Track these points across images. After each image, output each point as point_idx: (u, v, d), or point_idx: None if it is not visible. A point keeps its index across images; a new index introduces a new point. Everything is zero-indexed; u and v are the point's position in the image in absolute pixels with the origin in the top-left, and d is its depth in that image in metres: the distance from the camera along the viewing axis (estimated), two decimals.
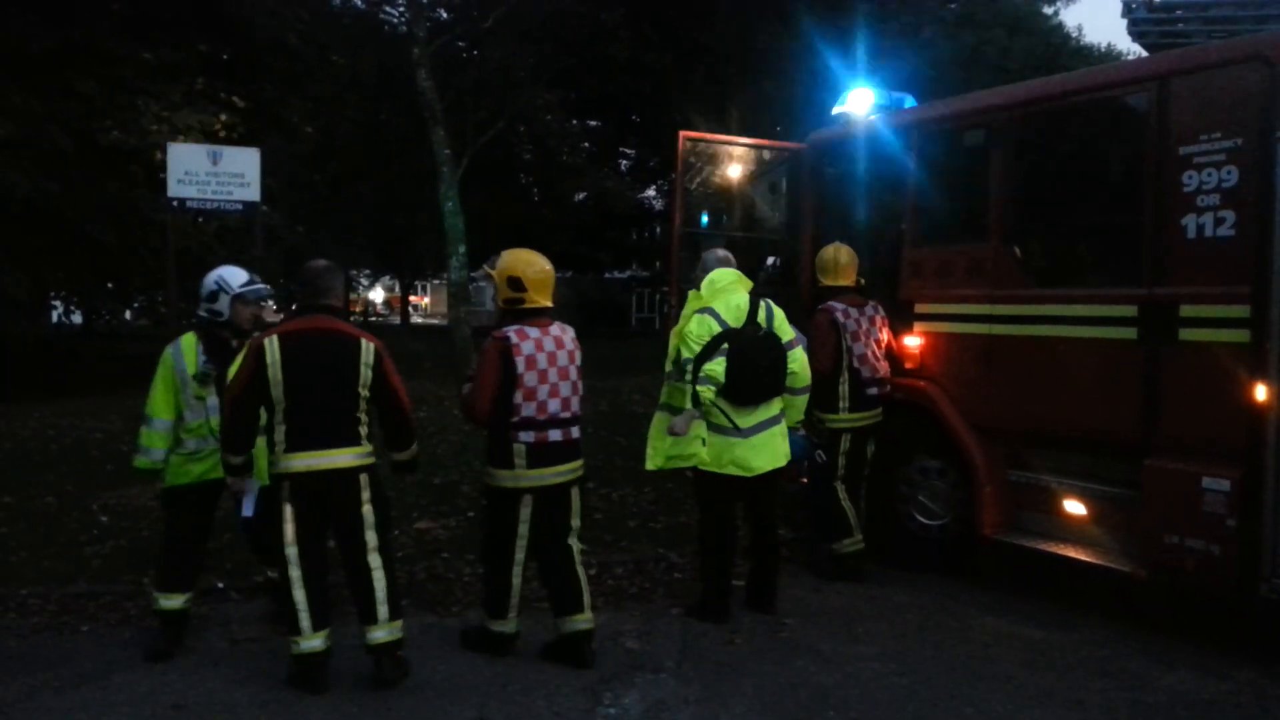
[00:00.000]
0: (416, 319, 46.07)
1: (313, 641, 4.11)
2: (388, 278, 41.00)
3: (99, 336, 24.17)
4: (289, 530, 4.10)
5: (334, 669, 4.24)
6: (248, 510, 4.58)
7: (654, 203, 31.24)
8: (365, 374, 4.17)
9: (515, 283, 4.48)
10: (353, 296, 43.19)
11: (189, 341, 4.77)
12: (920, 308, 5.92)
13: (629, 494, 7.32)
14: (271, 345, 4.05)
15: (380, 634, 4.17)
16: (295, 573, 4.11)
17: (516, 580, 4.51)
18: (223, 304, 4.79)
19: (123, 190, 12.88)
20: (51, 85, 12.51)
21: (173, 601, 4.61)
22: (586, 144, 24.97)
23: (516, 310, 4.48)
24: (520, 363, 4.32)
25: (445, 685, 4.28)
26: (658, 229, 33.27)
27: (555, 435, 4.42)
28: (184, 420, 4.69)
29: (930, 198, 6.04)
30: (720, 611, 5.05)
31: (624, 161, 29.15)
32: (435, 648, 4.69)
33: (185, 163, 8.24)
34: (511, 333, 4.37)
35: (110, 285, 16.54)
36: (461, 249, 14.54)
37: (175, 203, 8.25)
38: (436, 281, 49.56)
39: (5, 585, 5.58)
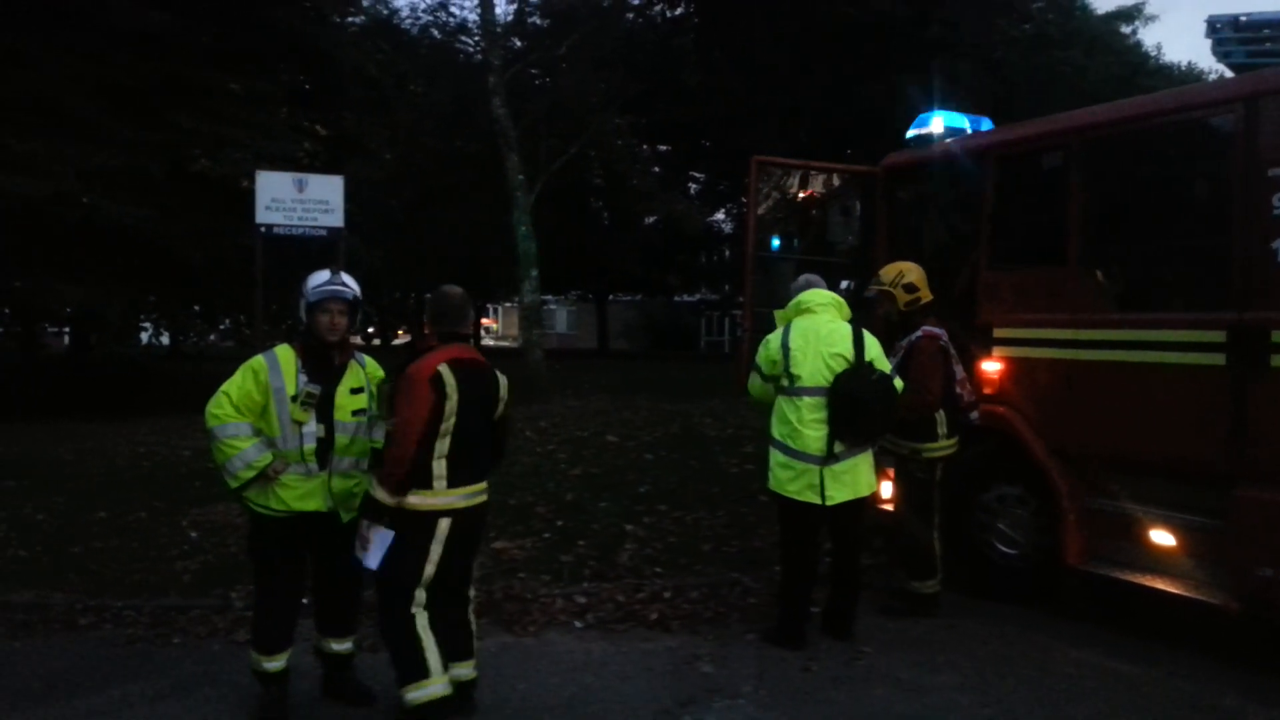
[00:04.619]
0: (488, 341, 46.66)
1: (442, 683, 3.83)
2: None
3: (186, 358, 25.01)
4: (429, 571, 3.86)
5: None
6: (373, 562, 3.87)
7: (723, 226, 31.33)
8: (500, 408, 4.14)
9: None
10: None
11: (287, 356, 4.13)
12: (999, 332, 5.84)
13: (702, 517, 7.33)
14: (449, 375, 3.84)
15: (466, 671, 4.13)
16: (422, 613, 3.87)
17: None
18: (301, 309, 4.20)
19: (211, 216, 13.35)
20: (146, 116, 13.08)
21: (275, 663, 4.18)
22: (656, 168, 25.17)
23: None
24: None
25: (523, 705, 4.34)
26: (727, 252, 33.33)
27: None
28: (275, 445, 4.06)
29: (1008, 221, 5.98)
30: (797, 637, 5.02)
31: (693, 185, 29.30)
32: (513, 667, 4.75)
33: (273, 190, 8.50)
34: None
35: (197, 308, 17.15)
36: (534, 272, 14.78)
37: (263, 228, 8.51)
38: (508, 304, 50.20)
39: (101, 597, 5.81)
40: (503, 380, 4.14)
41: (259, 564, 4.27)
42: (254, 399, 4.06)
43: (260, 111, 14.06)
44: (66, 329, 19.57)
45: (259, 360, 4.13)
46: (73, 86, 12.37)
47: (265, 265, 9.29)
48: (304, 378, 4.11)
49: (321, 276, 4.21)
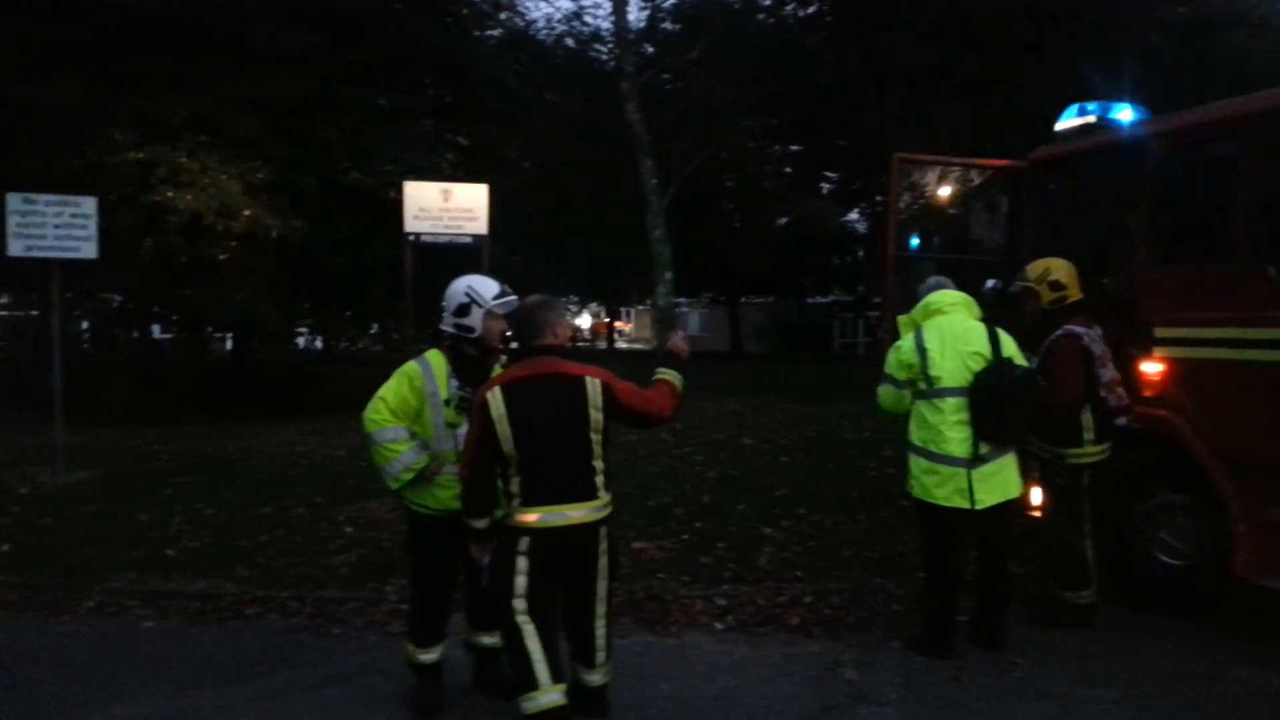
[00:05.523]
0: (621, 344, 47.18)
1: (551, 695, 3.73)
2: (595, 304, 42.33)
3: (338, 361, 26.22)
4: (520, 583, 3.84)
5: None
6: (485, 580, 4.07)
7: (857, 226, 30.81)
8: (595, 417, 3.87)
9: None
10: None
11: (438, 361, 4.29)
12: (1160, 332, 5.55)
13: (842, 521, 7.23)
14: (495, 398, 3.83)
15: (596, 677, 4.12)
16: (527, 624, 3.81)
17: None
18: (475, 318, 4.26)
19: (360, 226, 13.95)
20: (298, 132, 13.78)
21: (429, 655, 4.37)
22: (788, 169, 24.95)
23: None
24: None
25: (667, 705, 4.37)
26: (860, 252, 32.75)
27: None
28: (430, 447, 4.26)
29: (1170, 214, 5.67)
30: (944, 646, 4.89)
31: (825, 185, 28.92)
32: (656, 667, 4.79)
33: (420, 200, 8.79)
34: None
35: (348, 314, 17.94)
36: (668, 275, 14.90)
37: (412, 237, 8.82)
38: (640, 307, 50.71)
39: (269, 588, 6.17)
40: (594, 386, 3.88)
41: (415, 560, 4.45)
42: (410, 404, 4.23)
43: (405, 125, 14.59)
44: (229, 334, 20.79)
45: (413, 366, 4.28)
46: (230, 106, 13.15)
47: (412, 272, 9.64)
48: (455, 382, 4.27)
49: (493, 286, 4.35)
